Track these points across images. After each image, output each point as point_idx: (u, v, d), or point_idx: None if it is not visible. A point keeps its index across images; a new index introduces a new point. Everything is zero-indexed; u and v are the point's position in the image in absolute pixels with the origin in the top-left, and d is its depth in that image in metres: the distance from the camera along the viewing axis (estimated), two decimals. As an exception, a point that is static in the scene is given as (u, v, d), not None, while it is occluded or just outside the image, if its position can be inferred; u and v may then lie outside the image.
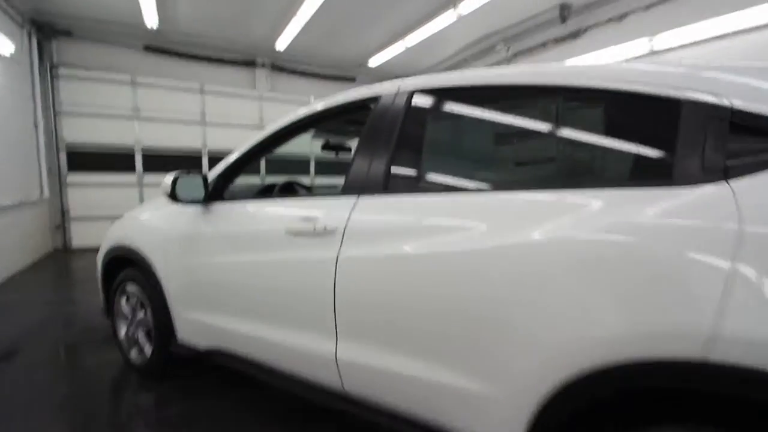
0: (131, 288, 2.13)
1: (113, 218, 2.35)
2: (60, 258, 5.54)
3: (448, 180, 1.24)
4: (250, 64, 6.98)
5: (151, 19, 5.22)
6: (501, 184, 1.15)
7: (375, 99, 1.41)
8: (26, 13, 5.00)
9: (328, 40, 6.12)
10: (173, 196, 1.62)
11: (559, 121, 1.10)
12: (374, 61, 6.89)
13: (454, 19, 4.87)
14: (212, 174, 1.83)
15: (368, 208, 1.26)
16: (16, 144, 4.71)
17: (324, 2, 4.72)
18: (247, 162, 1.83)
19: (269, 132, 1.72)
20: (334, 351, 1.30)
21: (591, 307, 0.85)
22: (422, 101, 1.31)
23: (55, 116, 5.68)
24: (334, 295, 1.27)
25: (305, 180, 7.46)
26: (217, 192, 1.80)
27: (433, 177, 1.28)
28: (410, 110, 1.30)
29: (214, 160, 6.60)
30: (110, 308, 2.32)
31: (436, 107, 1.32)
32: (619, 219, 0.85)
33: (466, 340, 1.04)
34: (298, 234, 1.39)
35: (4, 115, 4.44)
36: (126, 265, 2.17)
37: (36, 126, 5.30)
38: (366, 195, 1.28)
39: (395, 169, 1.27)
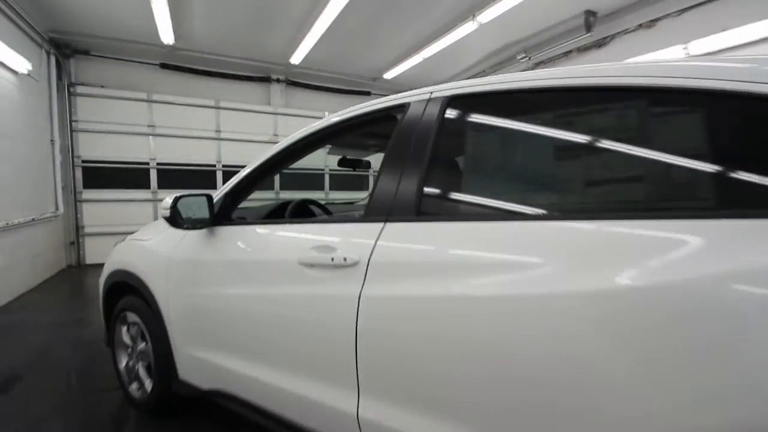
0: (132, 317, 1.96)
1: (127, 234, 2.19)
2: (73, 274, 5.47)
3: (498, 204, 1.02)
4: (264, 79, 6.95)
5: (167, 35, 5.21)
6: (571, 211, 0.93)
7: (402, 108, 1.21)
8: (45, 32, 5.05)
9: (344, 53, 6.04)
10: (173, 221, 1.43)
11: (647, 131, 0.88)
12: (390, 74, 6.77)
13: (474, 28, 4.70)
14: (219, 193, 1.65)
15: (397, 236, 1.05)
16: (31, 161, 4.69)
17: (340, 16, 4.62)
18: (257, 180, 1.66)
19: (282, 147, 1.54)
20: (356, 408, 1.08)
21: (714, 382, 0.62)
22: (462, 109, 1.10)
23: (71, 133, 5.69)
24: (356, 340, 1.05)
25: (321, 195, 7.34)
26: (223, 213, 1.62)
27: (479, 200, 1.07)
28: (447, 120, 1.10)
29: (228, 174, 6.53)
30: (111, 336, 2.15)
31: (480, 116, 1.11)
32: (752, 260, 0.63)
33: (529, 409, 0.81)
34: (312, 265, 1.18)
35: (20, 132, 4.42)
36: (127, 292, 2.01)
37: (52, 143, 5.30)
38: (394, 221, 1.07)
39: (430, 190, 1.07)
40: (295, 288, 1.22)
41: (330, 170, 7.50)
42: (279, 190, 6.92)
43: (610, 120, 0.92)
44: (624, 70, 0.86)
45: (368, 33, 5.31)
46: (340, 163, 2.19)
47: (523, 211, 0.97)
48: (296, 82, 7.17)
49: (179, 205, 1.43)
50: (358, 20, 4.88)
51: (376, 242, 1.07)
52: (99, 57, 5.82)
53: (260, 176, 1.64)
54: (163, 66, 6.20)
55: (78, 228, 5.88)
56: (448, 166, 1.11)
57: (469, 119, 1.12)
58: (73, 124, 5.71)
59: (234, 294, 1.43)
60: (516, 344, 0.81)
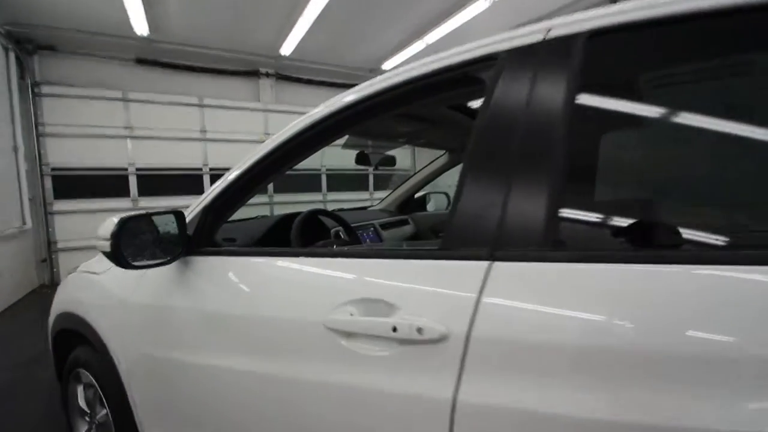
0: (87, 376, 1.45)
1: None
2: (45, 296, 4.88)
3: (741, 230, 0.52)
4: (252, 74, 6.41)
5: (140, 26, 4.66)
6: None
7: (489, 62, 0.72)
8: (1, 25, 4.45)
9: (338, 42, 5.53)
10: (117, 258, 0.90)
11: None
12: (388, 64, 6.27)
13: (486, 6, 4.21)
14: (195, 208, 1.15)
15: (522, 287, 0.56)
16: (-12, 171, 4.12)
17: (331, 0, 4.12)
18: (250, 186, 1.16)
19: (281, 141, 1.04)
20: None
21: None
22: (623, 53, 0.60)
23: (38, 138, 5.10)
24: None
25: (318, 198, 6.80)
26: (202, 236, 1.12)
27: (694, 223, 0.56)
28: (593, 74, 0.61)
29: (217, 178, 5.98)
30: (65, 397, 1.64)
31: (670, 64, 0.61)
32: None
33: None
34: (352, 335, 0.69)
35: (-27, 138, 3.85)
36: (80, 341, 1.49)
37: (15, 150, 4.70)
38: (508, 259, 0.58)
39: (576, 207, 0.58)
40: (321, 370, 0.72)
41: (327, 170, 6.98)
42: (273, 193, 6.37)
43: None
44: None
45: (365, 18, 4.79)
46: (359, 159, 1.68)
47: None
48: (287, 75, 6.64)
49: (126, 230, 0.91)
50: (353, 3, 4.38)
51: (479, 298, 0.57)
52: (66, 53, 5.23)
53: (253, 181, 1.14)
54: (139, 61, 5.63)
55: (50, 243, 5.30)
56: (610, 159, 0.62)
57: (650, 70, 0.62)
58: (40, 128, 5.11)
59: (222, 366, 0.92)
60: None
